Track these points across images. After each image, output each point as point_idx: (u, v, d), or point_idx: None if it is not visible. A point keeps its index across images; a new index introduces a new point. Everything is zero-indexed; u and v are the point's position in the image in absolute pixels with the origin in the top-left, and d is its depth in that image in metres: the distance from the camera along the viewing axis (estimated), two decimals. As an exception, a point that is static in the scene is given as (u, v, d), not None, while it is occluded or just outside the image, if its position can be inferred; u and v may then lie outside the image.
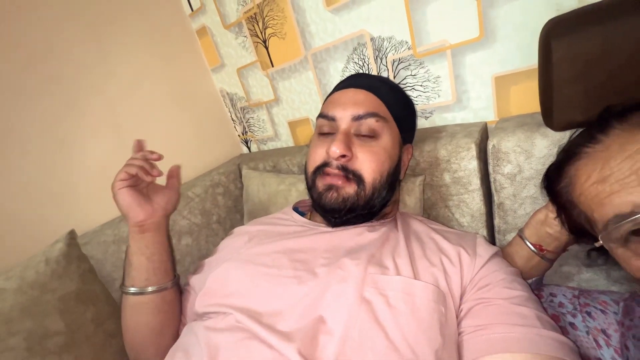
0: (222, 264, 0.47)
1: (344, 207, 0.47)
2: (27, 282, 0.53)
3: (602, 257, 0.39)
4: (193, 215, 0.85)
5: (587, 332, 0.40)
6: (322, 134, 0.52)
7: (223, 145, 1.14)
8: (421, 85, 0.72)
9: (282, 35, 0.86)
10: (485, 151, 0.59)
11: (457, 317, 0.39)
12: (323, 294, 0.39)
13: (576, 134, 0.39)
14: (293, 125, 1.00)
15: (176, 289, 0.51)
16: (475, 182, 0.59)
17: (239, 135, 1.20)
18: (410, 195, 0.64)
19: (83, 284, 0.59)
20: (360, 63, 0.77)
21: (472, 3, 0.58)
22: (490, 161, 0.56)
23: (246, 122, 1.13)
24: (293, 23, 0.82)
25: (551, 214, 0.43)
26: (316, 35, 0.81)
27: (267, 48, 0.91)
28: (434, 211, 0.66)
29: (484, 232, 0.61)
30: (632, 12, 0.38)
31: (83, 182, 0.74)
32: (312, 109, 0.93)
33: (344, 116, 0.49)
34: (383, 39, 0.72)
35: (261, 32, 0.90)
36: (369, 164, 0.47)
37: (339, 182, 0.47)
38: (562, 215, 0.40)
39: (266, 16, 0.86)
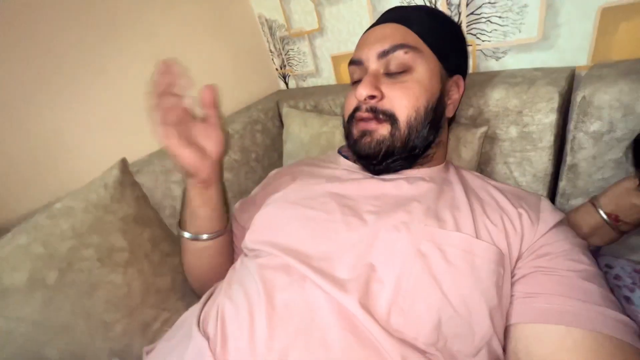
0: (270, 205, 0.47)
1: (380, 151, 0.44)
2: (91, 203, 0.57)
3: None
4: (232, 151, 0.85)
5: None
6: (354, 83, 0.49)
7: (260, 79, 1.09)
8: (500, 17, 0.60)
9: (335, -54, 0.73)
10: (569, 103, 0.50)
11: (511, 281, 0.38)
12: (373, 242, 0.38)
13: None
14: (337, 60, 0.92)
15: (230, 230, 0.53)
16: (548, 138, 0.52)
17: (276, 69, 1.12)
18: (468, 146, 0.58)
19: (139, 208, 0.63)
20: (427, -15, 0.65)
21: None
22: (575, 116, 0.49)
23: (285, 54, 1.05)
24: None
25: None
26: (377, -54, 0.67)
27: (314, -37, 0.79)
28: (489, 167, 0.61)
29: (544, 194, 0.56)
30: None
31: (127, 112, 0.74)
32: (360, 42, 0.83)
33: (369, 56, 0.45)
34: (462, -48, 0.58)
35: (309, -58, 0.76)
36: (400, 101, 0.43)
37: (371, 125, 0.44)
38: None
39: None
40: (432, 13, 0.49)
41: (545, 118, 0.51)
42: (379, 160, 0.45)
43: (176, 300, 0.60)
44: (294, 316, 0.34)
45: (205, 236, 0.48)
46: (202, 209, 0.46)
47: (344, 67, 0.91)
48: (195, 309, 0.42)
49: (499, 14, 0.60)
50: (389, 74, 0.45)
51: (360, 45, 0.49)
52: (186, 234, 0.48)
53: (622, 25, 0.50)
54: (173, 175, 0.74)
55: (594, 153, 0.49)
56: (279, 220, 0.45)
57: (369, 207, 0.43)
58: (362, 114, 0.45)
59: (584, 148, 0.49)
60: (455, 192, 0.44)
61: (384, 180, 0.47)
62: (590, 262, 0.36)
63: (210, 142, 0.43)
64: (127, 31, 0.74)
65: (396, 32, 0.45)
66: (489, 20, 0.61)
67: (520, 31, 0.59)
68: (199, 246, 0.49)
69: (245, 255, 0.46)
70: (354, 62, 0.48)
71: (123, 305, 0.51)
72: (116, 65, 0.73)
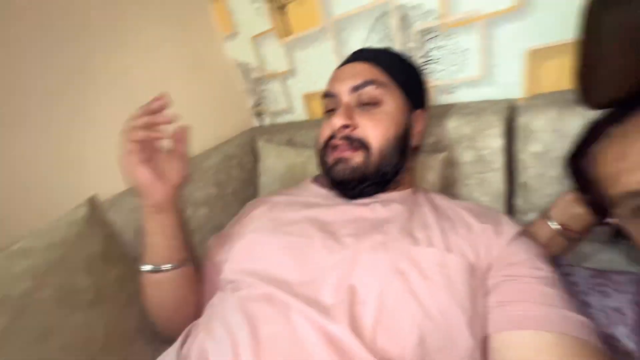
0: (248, 234, 0.47)
1: (355, 177, 0.47)
2: (54, 242, 0.54)
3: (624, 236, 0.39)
4: (208, 186, 0.85)
5: (601, 310, 0.41)
6: (327, 112, 0.53)
7: (235, 117, 1.13)
8: (447, 59, 0.69)
9: (301, 1, 0.82)
10: (512, 129, 0.57)
11: (484, 292, 0.40)
12: (353, 263, 0.39)
13: (604, 113, 0.39)
14: (308, 98, 0.98)
15: (193, 264, 0.51)
16: (500, 160, 0.58)
17: (251, 107, 1.18)
18: (431, 171, 0.63)
19: (106, 246, 0.61)
20: (383, 34, 0.74)
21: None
22: (518, 140, 0.55)
23: (259, 93, 1.11)
24: (314, -12, 0.78)
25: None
26: (338, 2, 0.77)
27: (284, 15, 0.87)
28: (453, 189, 0.66)
29: (503, 211, 0.61)
30: None
31: (99, 150, 0.74)
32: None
33: (343, 89, 0.50)
34: (409, 7, 0.68)
35: (279, -3, 0.86)
36: (373, 130, 0.47)
37: (346, 153, 0.48)
38: (585, 194, 0.41)
39: (285, -20, 0.82)
40: (394, 53, 0.55)
41: (494, 143, 0.57)
42: (353, 185, 0.48)
43: (143, 345, 0.56)
44: (280, 348, 0.33)
45: (164, 267, 0.46)
46: (159, 237, 0.45)
47: (316, 104, 0.97)
48: (171, 352, 0.40)
49: (445, 56, 0.69)
50: (360, 107, 0.49)
51: (333, 80, 0.53)
52: (146, 267, 0.46)
53: (546, 64, 0.59)
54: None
55: (539, 171, 0.54)
56: (258, 249, 0.45)
57: (346, 230, 0.44)
58: (337, 141, 0.48)
59: (530, 167, 0.55)
60: (425, 212, 0.47)
61: (359, 204, 0.49)
62: (549, 269, 0.39)
63: (172, 170, 0.45)
64: (102, 69, 0.76)
65: (367, 69, 0.50)
66: (438, 62, 0.70)
67: (465, 70, 0.68)
68: (159, 278, 0.47)
69: (224, 289, 0.45)
70: (328, 94, 0.52)
71: (83, 350, 0.47)
72: (92, 102, 0.74)
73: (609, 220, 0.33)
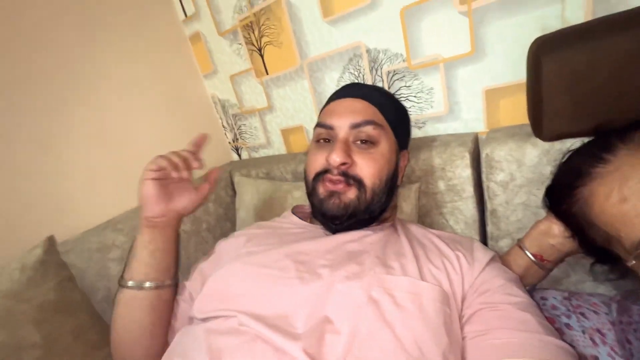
0: (223, 266, 0.46)
1: (346, 213, 0.47)
2: (1, 290, 0.49)
3: (617, 272, 0.40)
4: (182, 222, 0.82)
5: (583, 332, 0.41)
6: (319, 141, 0.52)
7: (213, 151, 1.12)
8: (415, 96, 0.74)
9: (278, 44, 0.87)
10: (478, 160, 0.61)
11: (460, 321, 0.39)
12: (328, 294, 0.39)
13: (574, 151, 0.41)
14: (286, 133, 1.00)
15: (174, 290, 0.50)
16: (469, 189, 0.61)
17: (229, 142, 1.18)
18: (407, 201, 0.65)
19: (62, 293, 0.55)
20: (356, 73, 0.79)
21: (464, 20, 0.62)
22: (484, 169, 0.59)
23: (237, 129, 1.12)
24: (290, 33, 0.84)
25: (555, 225, 0.44)
26: (312, 45, 0.82)
27: (262, 56, 0.92)
28: (428, 218, 0.68)
29: (477, 238, 0.63)
30: (611, 32, 0.42)
31: (68, 187, 0.70)
32: (306, 118, 0.94)
33: (342, 125, 0.49)
34: (379, 50, 0.74)
35: (257, 40, 0.91)
36: (368, 170, 0.48)
37: (340, 187, 0.47)
38: (577, 236, 0.41)
39: (262, 25, 0.87)
40: (387, 94, 0.57)
41: (463, 172, 0.61)
42: (342, 221, 0.48)
43: (100, 406, 0.49)
44: None
45: (145, 284, 0.46)
46: (139, 249, 0.47)
47: (293, 138, 1.00)
48: None
49: (413, 94, 0.74)
50: (356, 144, 0.49)
51: (330, 112, 0.52)
52: (129, 282, 0.46)
53: (502, 101, 0.65)
54: (111, 252, 0.67)
55: (505, 199, 0.58)
56: (231, 282, 0.44)
57: (322, 261, 0.44)
58: (333, 177, 0.48)
59: (497, 195, 0.58)
60: (400, 241, 0.48)
61: (337, 235, 0.49)
62: (524, 294, 0.40)
63: (181, 198, 0.50)
64: (76, 106, 0.75)
65: (365, 108, 0.50)
66: (407, 99, 0.75)
67: (432, 107, 0.73)
68: (135, 295, 0.46)
69: (192, 324, 0.43)
70: (324, 125, 0.51)
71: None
72: (61, 139, 0.71)
73: (627, 263, 0.34)
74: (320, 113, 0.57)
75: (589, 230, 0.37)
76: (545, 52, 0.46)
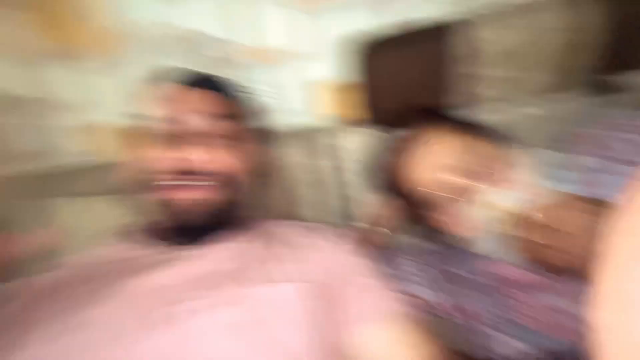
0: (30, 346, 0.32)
1: (206, 218, 0.43)
2: None
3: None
4: None
5: (407, 279, 0.51)
6: (160, 137, 0.43)
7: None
8: (265, 92, 0.71)
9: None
10: (333, 151, 0.65)
11: (330, 311, 0.40)
12: (187, 334, 0.34)
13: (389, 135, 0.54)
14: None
15: None
16: (329, 178, 0.64)
17: None
18: (270, 197, 0.60)
19: None
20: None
21: (305, 18, 0.64)
22: (338, 159, 0.64)
23: None
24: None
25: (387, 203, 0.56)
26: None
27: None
28: (294, 212, 0.66)
29: (342, 225, 0.66)
30: (419, 41, 0.55)
31: None
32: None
33: (195, 118, 0.44)
34: (212, 38, 0.66)
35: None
36: (231, 165, 0.45)
37: (199, 191, 0.42)
38: (393, 198, 0.53)
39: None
40: (241, 90, 0.53)
41: (319, 163, 0.64)
42: (198, 228, 0.43)
43: None
44: None
45: None
46: None
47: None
48: None
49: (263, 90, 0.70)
50: (214, 139, 0.44)
51: (176, 102, 0.45)
52: None
53: (334, 96, 0.70)
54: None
55: (357, 183, 0.64)
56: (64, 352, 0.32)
57: (173, 296, 0.36)
58: (188, 177, 0.42)
59: (351, 181, 0.64)
60: (260, 247, 0.45)
61: (185, 258, 0.42)
62: (372, 271, 0.45)
63: None
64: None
65: (221, 101, 0.46)
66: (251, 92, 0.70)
67: (278, 101, 0.71)
68: None
69: None
70: (168, 119, 0.44)
71: None
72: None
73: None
74: (153, 100, 0.47)
75: (396, 192, 0.50)
76: (373, 51, 0.55)
